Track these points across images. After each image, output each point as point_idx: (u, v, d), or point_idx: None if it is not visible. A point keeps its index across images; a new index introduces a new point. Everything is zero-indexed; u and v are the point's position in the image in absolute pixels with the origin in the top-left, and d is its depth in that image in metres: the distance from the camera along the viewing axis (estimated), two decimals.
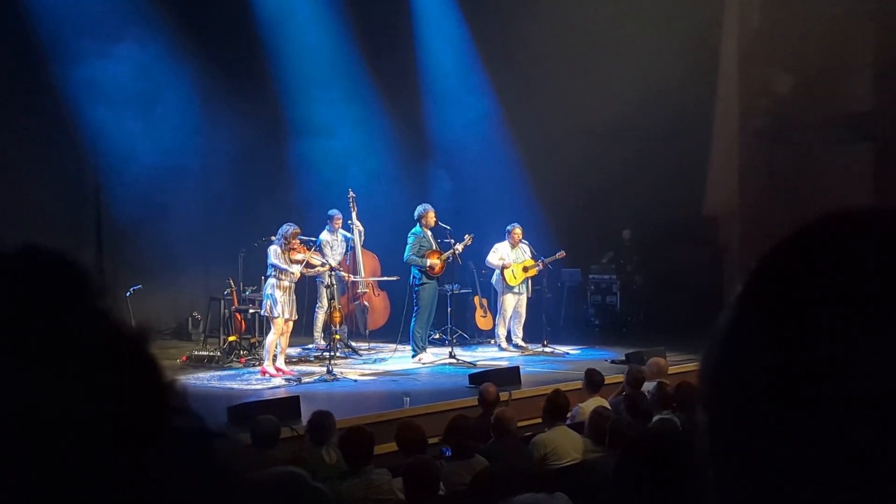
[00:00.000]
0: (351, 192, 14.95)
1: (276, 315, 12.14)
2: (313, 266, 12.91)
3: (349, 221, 14.85)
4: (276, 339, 12.21)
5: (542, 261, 14.82)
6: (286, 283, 12.24)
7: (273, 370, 12.12)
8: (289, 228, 12.32)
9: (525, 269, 14.76)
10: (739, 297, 0.86)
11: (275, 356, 12.26)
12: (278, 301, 12.12)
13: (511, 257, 14.73)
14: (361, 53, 16.82)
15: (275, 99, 16.58)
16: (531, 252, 14.87)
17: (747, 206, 16.76)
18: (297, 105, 16.74)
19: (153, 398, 0.83)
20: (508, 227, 14.79)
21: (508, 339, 14.86)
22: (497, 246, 14.76)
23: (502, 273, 14.70)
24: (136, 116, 15.11)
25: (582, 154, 16.04)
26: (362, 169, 16.53)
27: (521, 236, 14.78)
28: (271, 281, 12.25)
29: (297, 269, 12.34)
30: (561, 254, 14.96)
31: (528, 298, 14.86)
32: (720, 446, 0.85)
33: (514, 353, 14.46)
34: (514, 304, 14.74)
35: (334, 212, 14.70)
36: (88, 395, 0.79)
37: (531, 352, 14.53)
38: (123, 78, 14.89)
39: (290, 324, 12.43)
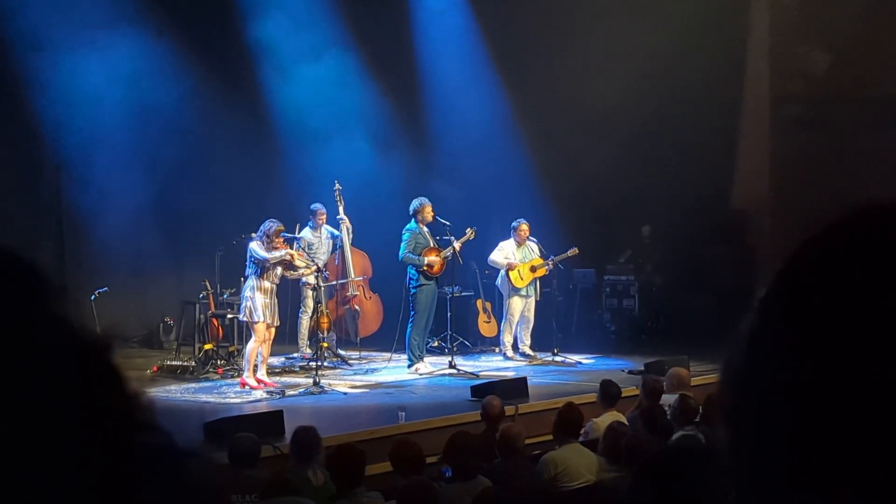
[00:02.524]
0: (337, 185, 14.94)
1: (256, 320, 12.13)
2: (297, 268, 12.88)
3: (336, 217, 14.84)
4: (257, 347, 12.21)
5: (552, 260, 14.82)
6: (268, 285, 12.23)
7: (253, 382, 12.12)
8: (271, 225, 12.31)
9: (533, 270, 14.76)
10: (763, 300, 0.86)
11: (255, 366, 12.25)
12: (259, 304, 12.12)
13: (517, 256, 14.73)
14: (351, 31, 16.85)
15: (254, 85, 16.61)
16: (539, 251, 14.87)
17: (779, 199, 16.75)
18: (278, 90, 16.76)
19: (116, 413, 0.83)
20: (514, 224, 14.78)
21: (515, 346, 14.87)
22: (502, 244, 14.76)
23: (507, 274, 14.70)
24: (100, 105, 15.13)
25: (597, 144, 16.04)
26: (350, 159, 16.52)
27: (528, 233, 14.77)
28: (251, 282, 12.24)
29: (293, 251, 12.32)
30: (573, 251, 14.96)
31: (536, 302, 14.87)
32: (743, 466, 0.85)
33: (521, 363, 14.46)
34: (522, 309, 14.74)
35: (318, 206, 14.69)
36: (42, 410, 0.78)
37: (540, 361, 14.53)
38: (89, 67, 14.93)
39: (273, 330, 12.42)
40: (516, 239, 14.77)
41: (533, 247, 14.89)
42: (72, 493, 0.78)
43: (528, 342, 14.87)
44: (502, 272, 14.85)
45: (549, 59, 16.72)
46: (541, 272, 14.84)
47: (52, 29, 14.59)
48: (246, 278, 12.44)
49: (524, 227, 14.74)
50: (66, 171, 15.18)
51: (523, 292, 14.74)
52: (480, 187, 17.17)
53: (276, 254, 12.23)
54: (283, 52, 16.76)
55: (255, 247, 12.27)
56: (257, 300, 12.13)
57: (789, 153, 16.74)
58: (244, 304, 12.30)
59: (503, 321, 14.97)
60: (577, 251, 15.02)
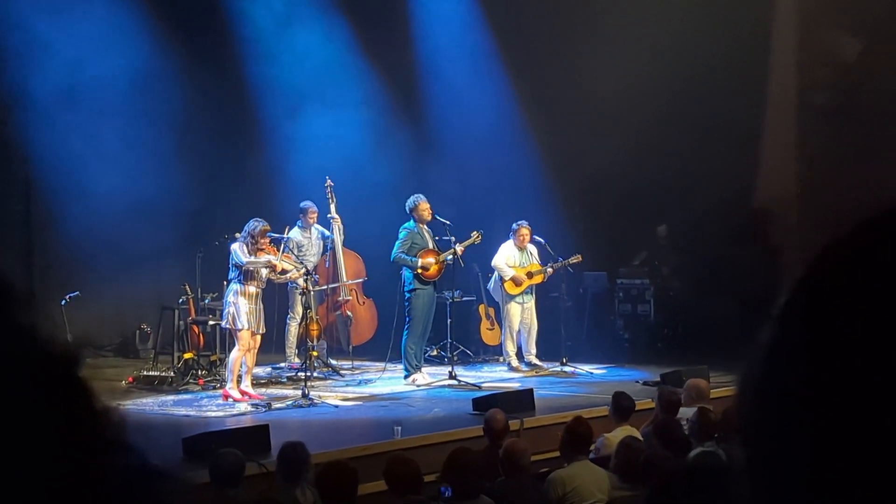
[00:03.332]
0: (328, 181, 14.94)
1: (240, 327, 12.14)
2: (285, 271, 12.85)
3: (328, 216, 14.84)
4: (241, 356, 12.21)
5: (552, 265, 14.81)
6: (252, 290, 12.24)
7: (237, 394, 12.12)
8: (257, 225, 12.31)
9: (529, 276, 14.77)
10: (783, 307, 0.86)
11: (239, 377, 12.26)
12: (242, 311, 12.12)
13: (517, 261, 14.75)
14: (346, 17, 16.88)
15: (239, 72, 16.64)
16: (542, 254, 14.88)
17: (806, 196, 16.74)
18: (265, 79, 16.77)
19: (83, 432, 0.83)
20: (514, 226, 14.79)
21: (520, 356, 14.88)
22: (503, 247, 14.76)
23: (501, 280, 14.72)
24: (70, 99, 15.13)
25: (609, 137, 16.04)
26: (342, 154, 16.52)
27: (528, 238, 14.78)
28: (234, 287, 12.24)
29: (276, 261, 12.32)
30: (576, 258, 14.95)
31: (535, 304, 14.91)
32: (761, 488, 0.85)
33: (527, 374, 14.46)
34: (521, 315, 14.75)
35: (308, 204, 14.70)
36: (4, 429, 0.78)
37: (547, 371, 14.54)
38: (59, 64, 14.96)
39: (258, 338, 12.43)
40: (516, 242, 14.77)
41: (533, 251, 14.90)
42: None
43: (534, 351, 14.88)
44: (495, 276, 14.87)
45: (557, 43, 16.71)
46: (538, 279, 14.85)
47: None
48: (229, 282, 12.43)
49: (525, 230, 14.75)
50: (34, 165, 15.18)
51: (519, 299, 14.76)
52: (483, 181, 17.16)
53: (257, 259, 12.22)
54: (268, 33, 16.74)
55: (237, 248, 12.26)
56: (241, 306, 12.13)
57: (817, 146, 16.73)
58: (227, 311, 12.31)
59: (503, 330, 14.98)
60: (581, 258, 15.01)
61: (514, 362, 14.80)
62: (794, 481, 0.82)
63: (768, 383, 0.85)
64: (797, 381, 0.82)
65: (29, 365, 0.82)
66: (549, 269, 14.81)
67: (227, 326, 12.45)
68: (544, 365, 14.77)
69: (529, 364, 14.80)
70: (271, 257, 12.43)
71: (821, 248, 0.86)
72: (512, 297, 14.75)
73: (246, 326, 12.13)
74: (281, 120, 16.87)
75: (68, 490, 0.79)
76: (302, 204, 14.72)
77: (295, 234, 14.47)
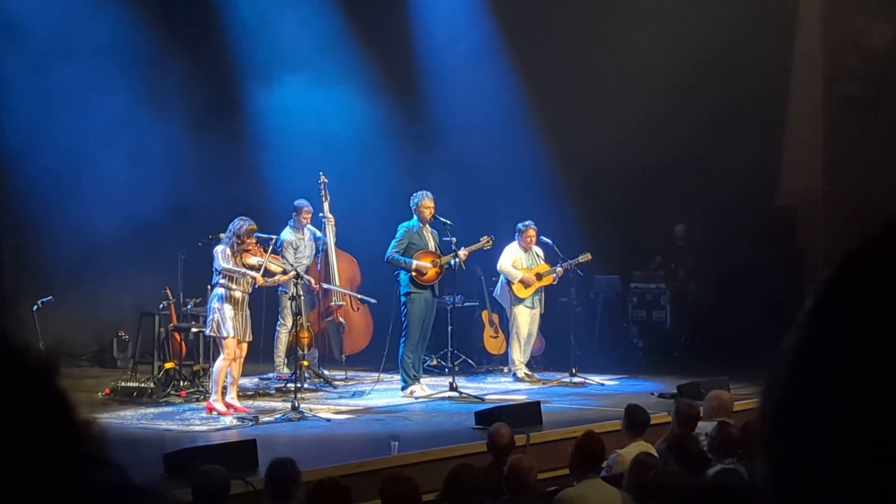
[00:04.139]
0: (322, 177, 14.95)
1: (225, 335, 12.13)
2: (272, 274, 12.81)
3: (320, 214, 14.84)
4: (226, 366, 12.21)
5: (561, 266, 14.82)
6: (238, 295, 12.22)
7: (222, 406, 12.12)
8: (242, 224, 12.29)
9: (539, 277, 14.78)
10: (810, 311, 0.86)
11: (224, 388, 12.26)
12: (227, 317, 12.12)
13: (523, 263, 14.76)
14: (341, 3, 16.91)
15: (225, 57, 16.65)
16: (549, 254, 14.89)
17: (833, 194, 16.76)
18: (252, 64, 16.78)
19: (61, 444, 0.83)
20: (520, 226, 14.80)
21: (530, 365, 14.92)
22: (509, 249, 14.76)
23: (508, 283, 14.73)
24: (43, 86, 15.13)
25: (622, 129, 16.05)
26: (337, 149, 16.51)
27: (535, 239, 14.80)
28: (218, 292, 12.23)
29: (257, 275, 12.32)
30: (585, 256, 14.93)
31: (541, 314, 14.93)
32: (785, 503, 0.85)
33: (534, 383, 14.48)
34: (530, 321, 14.77)
35: (303, 202, 14.68)
36: None
37: (540, 382, 14.54)
38: (28, 46, 14.98)
39: (245, 346, 12.42)
40: (521, 244, 14.78)
41: (539, 252, 14.92)
42: None
43: (525, 359, 14.88)
44: (501, 280, 14.87)
45: (565, 29, 16.71)
46: (547, 280, 14.86)
47: None
48: (213, 287, 12.42)
49: (532, 231, 14.77)
50: (3, 165, 15.15)
51: (528, 302, 14.76)
52: (485, 179, 17.15)
53: (235, 268, 12.14)
54: (257, 18, 16.75)
55: (219, 251, 12.24)
56: (226, 312, 12.12)
57: (845, 140, 16.75)
58: (211, 317, 12.29)
59: (510, 337, 14.97)
60: (590, 256, 14.99)
61: (521, 372, 14.79)
62: (825, 501, 0.81)
63: (795, 392, 0.84)
64: (827, 390, 0.82)
65: (1, 372, 0.82)
66: (559, 270, 14.82)
67: (211, 334, 12.43)
68: (535, 375, 14.81)
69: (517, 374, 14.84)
70: (259, 259, 12.38)
71: (851, 246, 0.86)
72: (521, 301, 14.76)
73: (231, 334, 12.12)
74: (270, 111, 16.86)
75: None
76: (296, 202, 14.69)
77: (286, 234, 14.46)
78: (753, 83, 16.16)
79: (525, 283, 14.71)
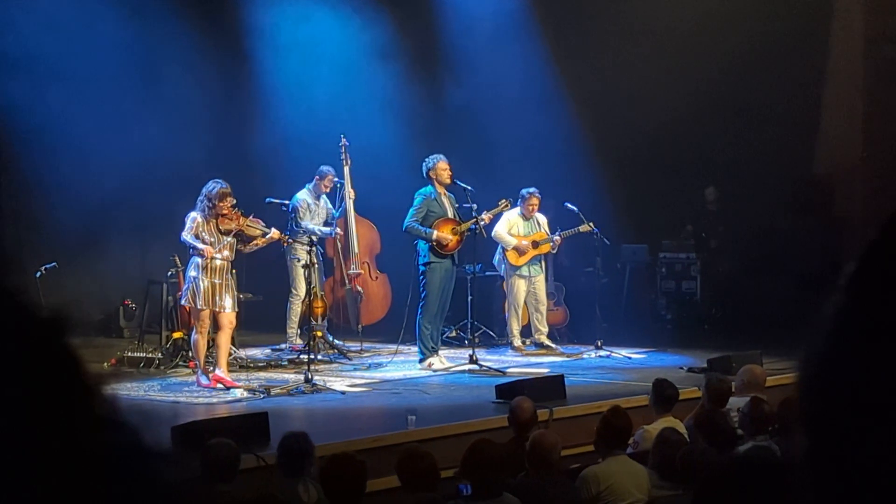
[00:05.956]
0: (343, 140, 14.94)
1: (199, 307, 11.97)
2: (251, 238, 12.30)
3: (339, 181, 14.78)
4: (201, 339, 12.06)
5: (560, 235, 14.82)
6: (217, 263, 11.94)
7: (206, 379, 12.04)
8: (215, 186, 11.94)
9: (535, 245, 14.80)
10: (852, 276, 0.86)
11: (210, 363, 12.21)
12: (201, 288, 11.91)
13: (521, 231, 14.79)
14: None
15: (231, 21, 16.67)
16: (548, 226, 14.93)
17: (873, 162, 16.68)
18: (263, 21, 16.79)
19: (75, 405, 0.83)
20: (524, 192, 14.81)
21: (535, 336, 14.96)
22: (506, 215, 14.72)
23: (504, 251, 14.78)
24: (44, 51, 15.14)
25: (652, 92, 16.01)
26: (355, 115, 16.46)
27: (538, 207, 14.82)
28: (196, 260, 11.98)
29: (207, 247, 11.87)
30: (585, 227, 14.87)
31: (546, 280, 14.97)
32: (826, 482, 0.84)
33: (539, 355, 14.48)
34: (526, 290, 14.80)
35: (328, 170, 14.60)
36: None
37: (563, 355, 14.58)
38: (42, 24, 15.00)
39: (231, 316, 12.22)
40: (523, 211, 14.80)
41: (542, 220, 14.93)
42: (27, 496, 0.78)
43: (545, 330, 14.94)
44: (499, 248, 14.91)
45: None
46: (544, 248, 14.89)
47: None
48: (191, 255, 12.18)
49: (535, 199, 14.82)
50: (7, 129, 15.16)
51: (524, 271, 14.79)
52: (510, 147, 17.12)
53: (194, 242, 11.89)
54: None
55: (189, 219, 12.00)
56: (200, 282, 11.96)
57: (887, 106, 16.65)
58: (187, 287, 12.11)
59: (508, 306, 15.01)
60: (591, 226, 14.90)
61: (517, 342, 14.84)
62: (866, 476, 0.81)
63: (835, 362, 0.84)
64: (869, 359, 0.81)
65: (16, 330, 0.82)
66: (557, 238, 14.83)
67: (187, 304, 12.32)
68: (558, 347, 14.87)
69: (539, 344, 14.83)
70: (235, 225, 12.01)
71: (893, 211, 0.86)
72: (516, 270, 14.80)
73: (204, 306, 11.94)
74: (286, 74, 16.85)
75: (56, 468, 0.80)
76: (322, 168, 14.60)
77: (303, 194, 14.44)
78: (791, 45, 16.07)
79: (519, 251, 14.74)
